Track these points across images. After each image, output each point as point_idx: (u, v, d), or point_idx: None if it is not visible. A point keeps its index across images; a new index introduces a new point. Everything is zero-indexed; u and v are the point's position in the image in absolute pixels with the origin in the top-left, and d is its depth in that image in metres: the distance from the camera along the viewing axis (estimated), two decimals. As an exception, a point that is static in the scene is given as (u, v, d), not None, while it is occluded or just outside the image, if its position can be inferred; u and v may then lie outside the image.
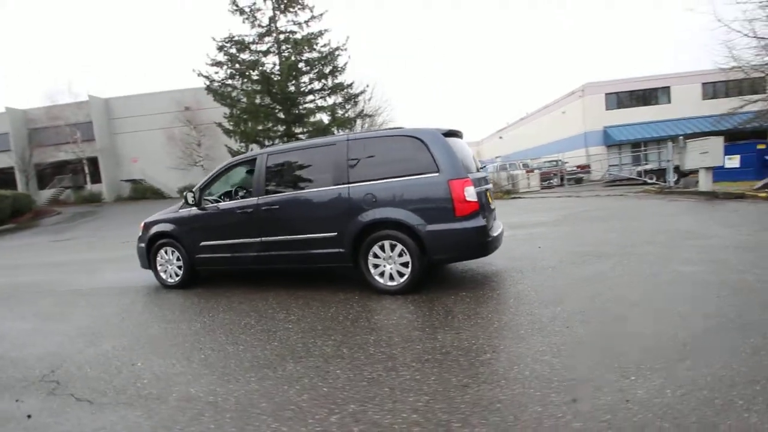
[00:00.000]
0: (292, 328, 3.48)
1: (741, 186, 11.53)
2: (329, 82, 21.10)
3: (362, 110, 22.57)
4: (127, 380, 2.71)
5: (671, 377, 2.18)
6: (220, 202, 5.25)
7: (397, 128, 4.39)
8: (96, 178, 30.61)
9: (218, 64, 19.92)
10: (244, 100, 19.99)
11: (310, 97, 21.56)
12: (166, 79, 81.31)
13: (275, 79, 19.75)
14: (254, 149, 21.31)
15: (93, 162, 30.33)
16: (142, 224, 5.57)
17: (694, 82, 27.12)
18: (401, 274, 4.12)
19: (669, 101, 27.86)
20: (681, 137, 13.79)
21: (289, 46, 20.44)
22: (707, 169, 11.63)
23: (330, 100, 21.33)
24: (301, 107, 21.22)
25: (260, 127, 20.17)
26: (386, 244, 4.14)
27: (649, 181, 16.40)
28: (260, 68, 19.76)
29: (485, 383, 2.27)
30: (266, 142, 20.87)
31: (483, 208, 4.08)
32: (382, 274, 4.21)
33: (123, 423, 2.18)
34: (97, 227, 19.20)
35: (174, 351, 3.18)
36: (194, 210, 5.04)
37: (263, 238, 4.61)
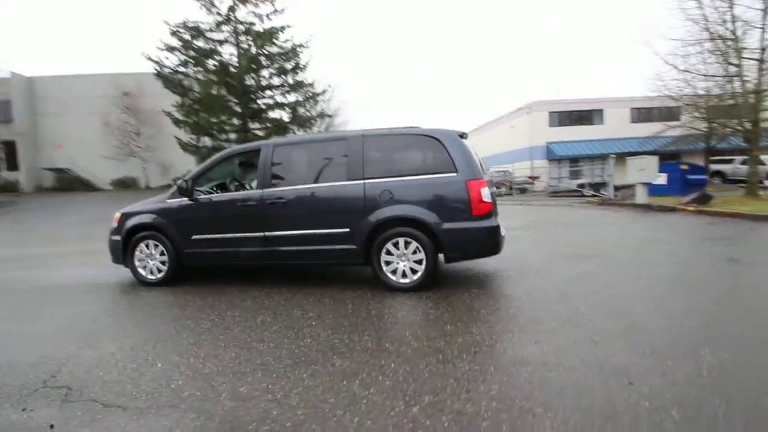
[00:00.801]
0: (316, 324, 3.38)
1: (670, 200, 12.97)
2: (290, 79, 20.61)
3: (323, 110, 22.25)
4: (157, 382, 2.48)
5: (700, 361, 2.43)
6: (212, 193, 4.95)
7: (413, 127, 4.44)
8: (12, 165, 27.17)
9: (171, 49, 18.66)
10: (198, 89, 18.89)
11: (269, 93, 20.91)
12: (105, 62, 74.66)
13: (234, 70, 18.90)
14: (205, 141, 20.30)
15: (9, 146, 26.92)
16: (117, 215, 5.09)
17: (624, 107, 30.08)
18: (414, 272, 4.17)
19: (602, 122, 30.63)
20: (612, 156, 15.39)
21: (249, 38, 19.68)
22: (644, 183, 12.95)
23: (290, 98, 20.82)
24: (259, 102, 20.50)
25: (214, 120, 19.15)
26: (401, 241, 4.16)
27: (587, 193, 17.94)
28: (218, 58, 18.80)
29: (547, 371, 2.38)
30: (221, 136, 19.91)
31: (495, 208, 4.26)
32: (394, 272, 4.23)
33: (181, 427, 2.00)
34: (17, 219, 17.08)
35: (195, 350, 2.96)
36: (185, 201, 4.70)
37: (267, 233, 4.42)
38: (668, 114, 23.91)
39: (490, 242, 4.12)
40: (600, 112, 30.77)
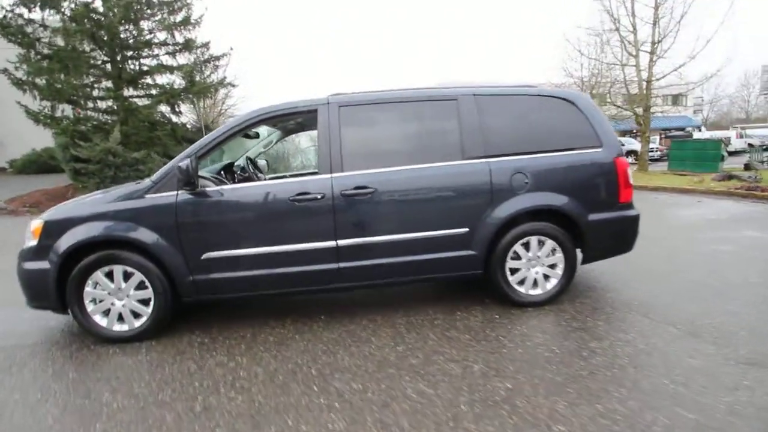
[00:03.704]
0: (471, 364, 2.29)
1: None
2: (179, 36, 16.79)
3: (225, 77, 18.88)
4: None
5: None
6: (224, 183, 3.12)
7: (531, 86, 3.32)
8: None
9: (3, -21, 13.38)
10: (50, 40, 14.09)
11: (152, 52, 16.81)
12: None
13: (101, 18, 14.56)
14: (66, 111, 15.49)
15: None
16: (39, 225, 2.94)
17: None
18: (546, 278, 3.22)
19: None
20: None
21: (117, -23, 15.29)
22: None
23: (181, 59, 17.05)
24: (139, 63, 16.34)
25: (76, 81, 14.61)
26: (533, 240, 3.12)
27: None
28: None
29: None
30: (86, 104, 15.43)
31: None
32: (521, 282, 3.18)
33: None
34: None
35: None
36: (185, 196, 2.84)
37: (341, 242, 2.91)
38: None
39: (632, 236, 3.34)
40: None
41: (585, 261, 3.36)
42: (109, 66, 15.75)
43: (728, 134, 27.45)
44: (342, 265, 2.99)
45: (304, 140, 12.37)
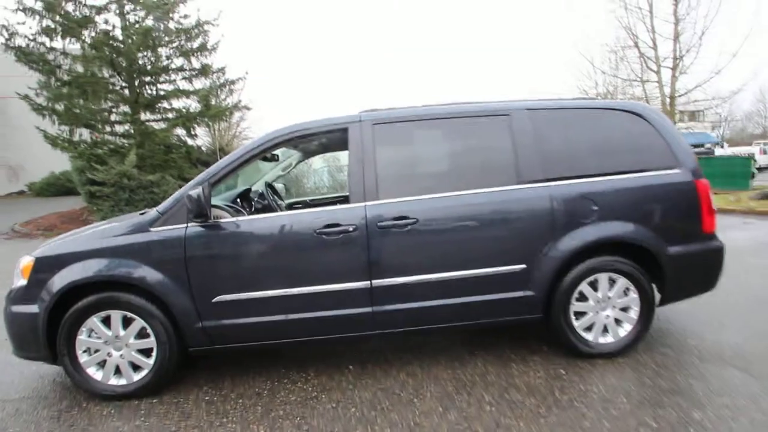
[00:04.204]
0: None
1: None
2: (195, 62, 16.98)
3: (240, 101, 18.99)
4: None
5: None
6: (241, 212, 2.72)
7: (590, 98, 2.89)
8: None
9: (28, 11, 13.68)
10: (70, 66, 14.28)
11: (169, 77, 16.98)
12: None
13: (120, 45, 14.77)
14: (83, 135, 15.61)
15: None
16: (29, 263, 2.56)
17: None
18: (618, 324, 2.72)
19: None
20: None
21: (137, 6, 15.60)
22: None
23: (197, 84, 17.19)
24: (156, 88, 16.50)
25: (94, 107, 14.74)
26: (602, 278, 2.63)
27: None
28: (98, 27, 14.45)
29: None
30: (104, 129, 15.54)
31: None
32: (588, 328, 2.68)
33: None
34: None
35: None
36: (196, 228, 2.44)
37: (376, 282, 2.47)
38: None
39: (716, 271, 2.83)
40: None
41: (663, 302, 2.83)
42: (127, 91, 15.90)
43: (752, 150, 26.58)
44: (377, 309, 2.53)
45: (317, 161, 12.12)
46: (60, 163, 18.57)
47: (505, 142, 2.63)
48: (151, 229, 2.48)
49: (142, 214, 2.67)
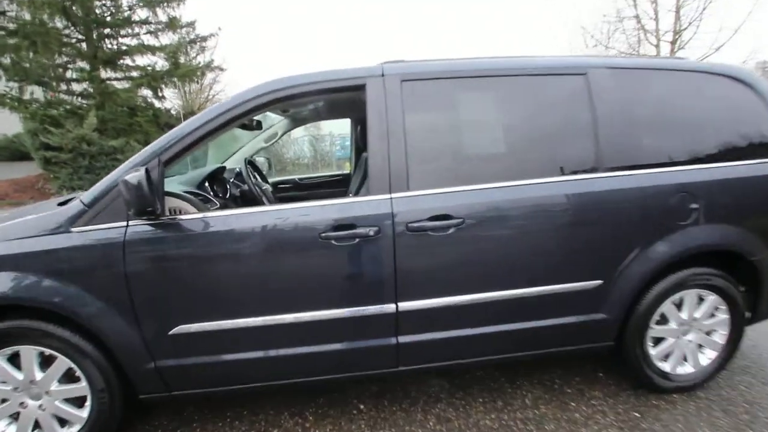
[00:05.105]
0: None
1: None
2: (161, 15, 15.29)
3: (212, 60, 17.43)
4: None
5: None
6: (211, 202, 1.95)
7: (679, 58, 2.19)
8: None
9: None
10: (17, 14, 12.57)
11: (132, 30, 15.31)
12: None
13: (74, -10, 13.04)
14: (35, 93, 14.02)
15: None
16: None
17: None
18: (699, 350, 2.19)
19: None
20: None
21: (91, -54, 13.73)
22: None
23: (164, 40, 15.58)
24: (117, 42, 14.86)
25: (47, 61, 13.15)
26: (689, 296, 2.04)
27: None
28: (45, -33, 12.63)
29: None
30: (59, 87, 14.02)
31: None
32: (665, 356, 2.12)
33: None
34: None
35: None
36: (141, 228, 1.66)
37: (406, 305, 1.78)
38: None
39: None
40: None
41: (753, 320, 2.27)
42: (84, 45, 14.30)
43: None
44: (403, 340, 1.85)
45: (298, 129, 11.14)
46: (13, 125, 16.86)
47: (581, 111, 1.90)
48: (73, 229, 1.68)
49: (62, 203, 1.86)
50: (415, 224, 1.74)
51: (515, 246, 1.85)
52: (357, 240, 1.72)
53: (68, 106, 13.90)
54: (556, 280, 1.89)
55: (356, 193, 2.16)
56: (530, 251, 1.86)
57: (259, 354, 1.79)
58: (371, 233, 1.71)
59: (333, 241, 1.72)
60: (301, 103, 2.33)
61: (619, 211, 1.89)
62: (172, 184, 2.14)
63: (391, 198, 1.76)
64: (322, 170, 14.10)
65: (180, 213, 1.78)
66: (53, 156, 12.20)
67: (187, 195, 1.97)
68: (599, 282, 1.93)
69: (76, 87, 14.64)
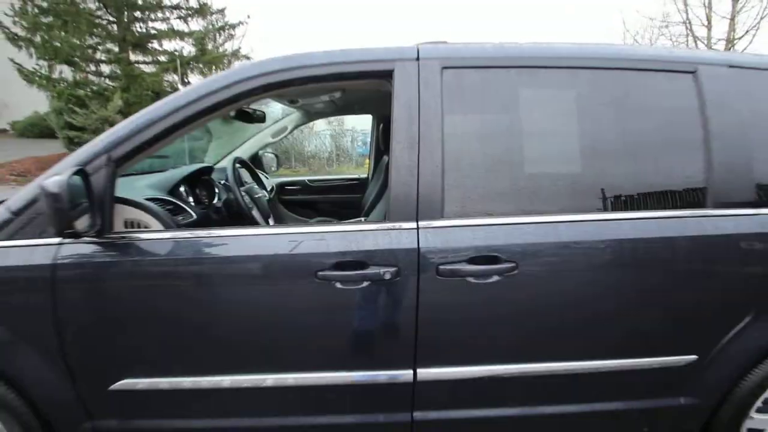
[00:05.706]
0: None
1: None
2: (192, 0, 15.26)
3: (239, 48, 17.36)
4: None
5: None
6: (185, 213, 1.52)
7: None
8: None
9: None
10: (52, -7, 12.65)
11: (162, 15, 15.32)
12: None
13: (107, -29, 13.08)
14: (64, 72, 14.19)
15: None
16: None
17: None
18: None
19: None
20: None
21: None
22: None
23: (193, 26, 15.53)
24: (147, 26, 14.88)
25: (77, 41, 13.25)
26: None
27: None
28: (80, -53, 12.68)
29: None
30: (88, 67, 14.13)
31: None
32: None
33: None
34: None
35: None
36: (78, 250, 1.21)
37: (426, 371, 1.30)
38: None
39: None
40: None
41: None
42: (114, 27, 14.37)
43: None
44: (420, 416, 1.39)
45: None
46: (45, 102, 17.21)
47: (688, 123, 1.39)
48: (-1, 242, 1.27)
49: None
50: (449, 267, 1.26)
51: (586, 304, 1.34)
52: (367, 283, 1.26)
53: (95, 87, 14.03)
54: (635, 353, 1.38)
55: (370, 213, 1.69)
56: (605, 314, 1.35)
57: (230, 423, 1.35)
58: (387, 276, 1.24)
59: (333, 283, 1.26)
60: (305, 91, 1.84)
61: (734, 264, 1.37)
62: (138, 187, 1.72)
63: (417, 228, 1.28)
64: (340, 167, 13.76)
65: (136, 226, 1.36)
66: (76, 136, 12.31)
67: (149, 204, 1.54)
68: (694, 357, 1.41)
69: (105, 68, 14.76)
